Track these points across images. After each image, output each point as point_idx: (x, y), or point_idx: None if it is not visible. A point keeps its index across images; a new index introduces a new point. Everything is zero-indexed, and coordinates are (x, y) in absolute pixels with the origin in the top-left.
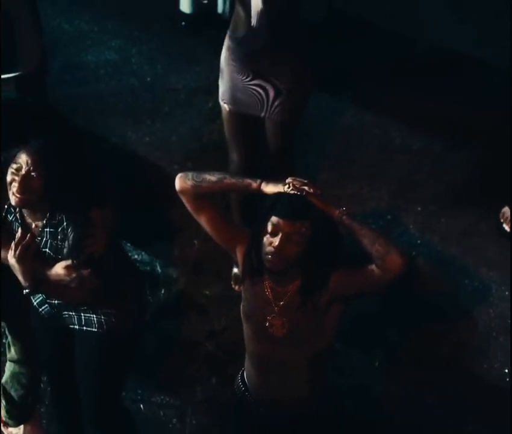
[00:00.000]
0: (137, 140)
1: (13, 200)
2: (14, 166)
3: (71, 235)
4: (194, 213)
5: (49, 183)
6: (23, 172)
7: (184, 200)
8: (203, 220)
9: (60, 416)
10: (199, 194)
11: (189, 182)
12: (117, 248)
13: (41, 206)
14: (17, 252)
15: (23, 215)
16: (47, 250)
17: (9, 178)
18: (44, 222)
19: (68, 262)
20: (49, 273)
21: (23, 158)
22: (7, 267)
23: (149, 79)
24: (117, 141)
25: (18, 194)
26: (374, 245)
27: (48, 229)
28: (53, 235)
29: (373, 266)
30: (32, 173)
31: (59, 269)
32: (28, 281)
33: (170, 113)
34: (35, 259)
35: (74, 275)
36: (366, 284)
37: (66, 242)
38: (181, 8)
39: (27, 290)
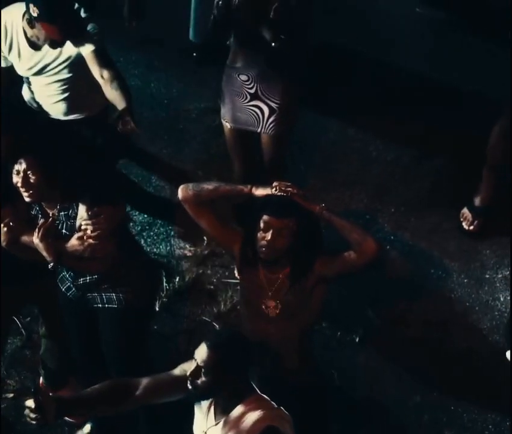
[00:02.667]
0: (156, 151)
1: (25, 198)
2: (15, 170)
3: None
4: (196, 217)
5: (46, 175)
6: (21, 173)
7: (186, 207)
8: (203, 224)
9: (90, 383)
10: (199, 201)
11: (190, 192)
12: (127, 238)
13: (51, 195)
14: (40, 233)
15: (42, 207)
16: (63, 230)
17: (14, 180)
18: (58, 207)
19: (80, 234)
20: (66, 246)
21: (19, 161)
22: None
23: (165, 101)
24: (140, 153)
25: (25, 192)
26: (352, 233)
27: (62, 213)
28: (67, 217)
29: (351, 251)
30: (28, 172)
31: (73, 240)
32: (51, 256)
33: (183, 129)
34: (55, 238)
35: (86, 243)
36: (345, 266)
37: (77, 218)
38: (190, 38)
39: (51, 264)
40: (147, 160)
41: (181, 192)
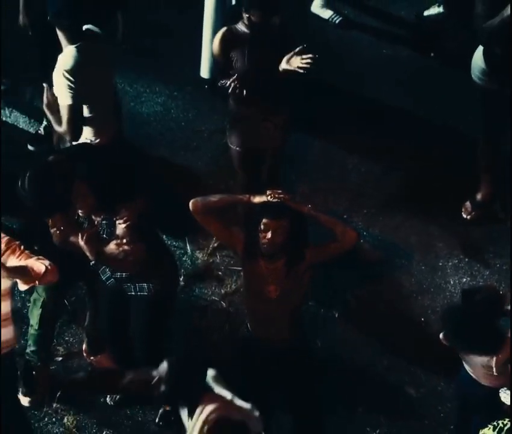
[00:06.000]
0: (174, 164)
1: (80, 214)
2: (72, 192)
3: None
4: (204, 225)
5: (97, 197)
6: (79, 197)
7: (197, 218)
8: (211, 229)
9: (119, 353)
10: (206, 211)
11: (199, 205)
12: (155, 238)
13: (99, 211)
14: (84, 237)
15: (90, 216)
16: (104, 235)
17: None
18: (102, 217)
19: (118, 241)
20: (105, 249)
21: (77, 187)
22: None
23: (183, 123)
24: (161, 165)
25: (81, 209)
26: (336, 226)
27: (105, 222)
28: (108, 225)
29: (335, 241)
30: (85, 196)
31: (112, 245)
32: (93, 255)
33: (197, 147)
34: (97, 241)
35: (120, 248)
36: (331, 253)
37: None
38: (201, 75)
39: (92, 262)
40: (168, 171)
41: (191, 206)
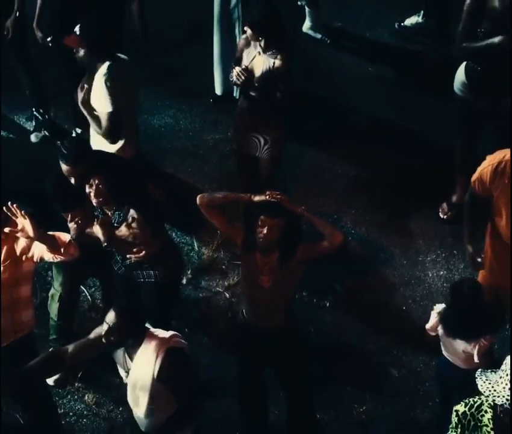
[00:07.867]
0: (183, 169)
1: (94, 203)
2: (89, 184)
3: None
4: (209, 217)
5: (110, 189)
6: (94, 187)
7: (202, 210)
8: (215, 222)
9: None
10: (211, 205)
11: (205, 200)
12: (164, 233)
13: (111, 202)
14: (100, 220)
15: (103, 209)
16: (115, 224)
17: (87, 190)
18: (114, 209)
19: (128, 223)
20: (116, 232)
21: (93, 178)
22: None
23: (190, 133)
24: (172, 171)
25: (95, 200)
26: (325, 228)
27: (117, 213)
28: (119, 216)
29: (324, 242)
30: (100, 186)
31: (122, 227)
32: (105, 237)
33: (203, 154)
34: (110, 226)
35: (130, 231)
36: (319, 252)
37: (126, 216)
38: (217, 92)
39: (105, 244)
40: (178, 176)
41: (198, 200)
